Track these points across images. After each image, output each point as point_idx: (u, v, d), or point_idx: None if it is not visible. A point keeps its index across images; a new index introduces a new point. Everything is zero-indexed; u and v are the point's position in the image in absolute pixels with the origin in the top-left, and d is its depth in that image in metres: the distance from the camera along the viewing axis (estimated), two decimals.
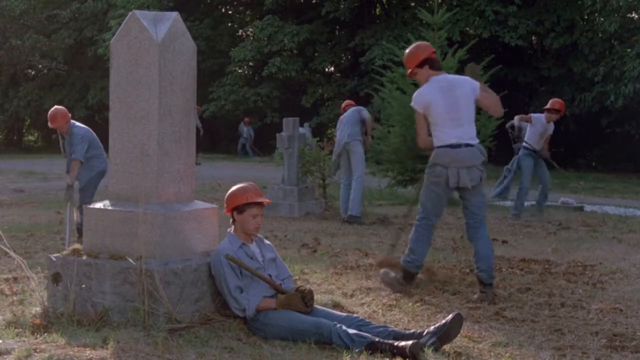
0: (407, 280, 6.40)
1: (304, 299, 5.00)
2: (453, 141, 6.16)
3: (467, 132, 6.24)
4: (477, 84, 6.38)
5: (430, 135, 6.37)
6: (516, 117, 12.66)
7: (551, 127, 11.83)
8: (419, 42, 6.82)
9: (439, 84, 6.29)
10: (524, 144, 11.93)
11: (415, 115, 6.43)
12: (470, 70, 6.78)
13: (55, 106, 9.40)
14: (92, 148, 9.23)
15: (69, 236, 8.64)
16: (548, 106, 11.88)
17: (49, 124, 9.29)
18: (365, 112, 11.74)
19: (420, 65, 6.37)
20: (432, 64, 6.39)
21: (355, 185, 11.27)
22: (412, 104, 6.38)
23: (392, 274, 6.48)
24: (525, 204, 12.10)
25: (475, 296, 6.16)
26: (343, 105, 12.52)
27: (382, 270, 6.60)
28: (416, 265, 6.41)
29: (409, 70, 6.49)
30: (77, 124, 9.32)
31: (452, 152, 6.15)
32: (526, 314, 5.68)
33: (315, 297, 5.42)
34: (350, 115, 11.68)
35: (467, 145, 6.19)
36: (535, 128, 11.77)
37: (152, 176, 5.13)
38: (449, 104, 6.20)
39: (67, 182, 9.16)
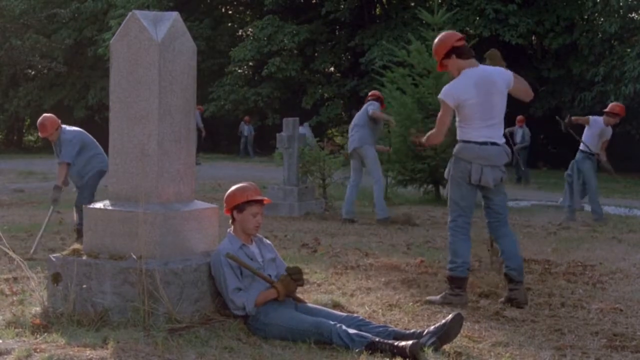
0: (459, 287, 5.94)
1: (292, 277, 5.00)
2: (481, 139, 5.93)
3: (497, 133, 6.01)
4: (511, 75, 6.07)
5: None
6: (572, 118, 11.83)
7: (609, 131, 11.51)
8: (443, 32, 6.29)
9: (475, 80, 5.93)
10: (580, 147, 11.62)
11: (442, 108, 6.00)
12: (491, 57, 6.30)
13: (44, 114, 9.19)
14: (89, 149, 9.08)
15: (40, 238, 8.54)
16: (607, 109, 11.52)
17: (40, 134, 9.10)
18: (371, 107, 11.32)
19: (447, 56, 6.01)
20: (459, 53, 6.00)
21: (376, 188, 11.24)
22: (442, 96, 5.98)
23: (437, 296, 6.01)
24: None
25: (502, 298, 6.02)
26: (368, 95, 12.12)
27: (427, 298, 6.06)
28: (464, 268, 5.96)
29: (438, 65, 6.19)
30: (68, 128, 9.13)
31: (478, 149, 5.92)
32: (526, 314, 5.68)
33: (315, 297, 5.42)
34: (360, 116, 11.44)
35: (494, 144, 5.96)
36: (592, 130, 11.44)
37: (152, 176, 5.13)
38: (485, 105, 5.91)
39: (55, 182, 9.13)
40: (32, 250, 8.24)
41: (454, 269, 5.99)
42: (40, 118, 9.07)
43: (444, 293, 6.01)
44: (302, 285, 5.12)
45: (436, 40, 6.18)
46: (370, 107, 11.31)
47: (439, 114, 6.07)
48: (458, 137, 6.06)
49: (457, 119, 6.07)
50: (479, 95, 5.91)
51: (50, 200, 9.17)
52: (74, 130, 9.18)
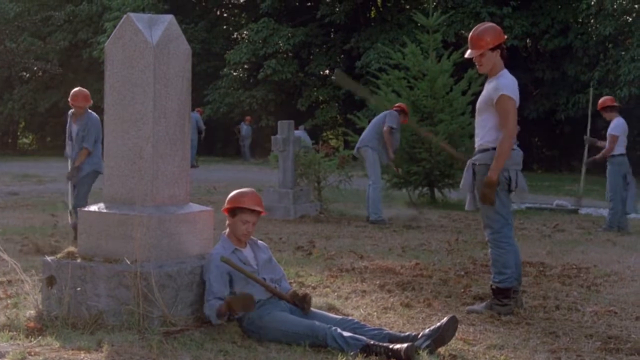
0: (507, 297, 5.79)
1: (304, 303, 5.00)
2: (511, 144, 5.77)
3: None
4: None
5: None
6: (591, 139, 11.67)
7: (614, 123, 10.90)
8: (490, 24, 6.02)
9: (515, 83, 5.81)
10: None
11: (511, 105, 5.69)
12: (338, 76, 6.18)
13: (80, 87, 9.56)
14: (97, 143, 9.17)
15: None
16: (598, 108, 11.14)
17: (70, 100, 9.31)
18: (389, 119, 11.29)
19: (495, 48, 5.76)
20: (502, 51, 5.83)
21: (370, 191, 11.27)
22: (507, 92, 5.70)
23: (480, 305, 5.90)
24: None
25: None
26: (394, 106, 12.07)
27: (468, 308, 5.93)
28: (512, 279, 5.82)
29: (479, 52, 5.76)
30: (94, 114, 9.30)
31: (512, 154, 5.74)
32: (521, 317, 5.68)
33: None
34: (376, 119, 11.56)
35: (515, 149, 5.83)
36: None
37: (147, 179, 5.13)
38: (517, 110, 5.82)
39: (74, 164, 9.25)
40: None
41: (503, 280, 5.81)
42: (76, 89, 9.38)
43: (488, 303, 5.86)
44: (306, 313, 5.00)
45: (487, 26, 5.88)
46: (388, 121, 11.28)
47: (506, 113, 5.70)
48: (488, 144, 5.80)
49: (488, 123, 5.80)
50: (515, 97, 5.80)
51: (66, 176, 9.42)
52: (98, 119, 9.17)
